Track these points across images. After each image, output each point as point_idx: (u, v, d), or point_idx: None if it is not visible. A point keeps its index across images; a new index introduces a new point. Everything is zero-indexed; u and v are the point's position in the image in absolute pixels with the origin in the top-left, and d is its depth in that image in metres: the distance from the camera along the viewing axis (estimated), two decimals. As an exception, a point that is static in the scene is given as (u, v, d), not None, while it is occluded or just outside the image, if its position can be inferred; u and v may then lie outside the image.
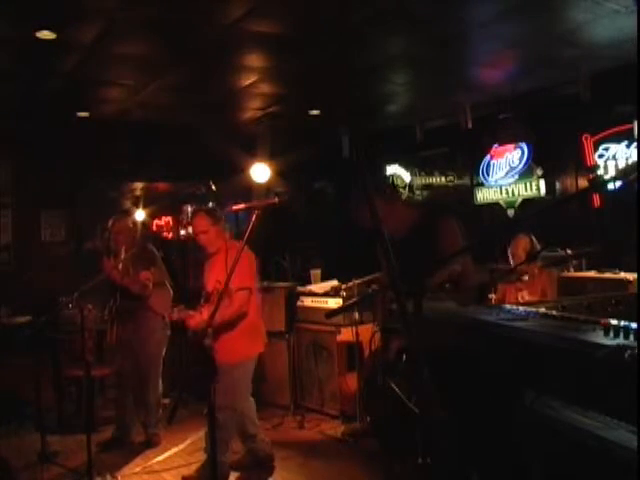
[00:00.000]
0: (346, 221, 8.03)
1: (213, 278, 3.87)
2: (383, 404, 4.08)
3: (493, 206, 7.28)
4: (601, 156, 6.04)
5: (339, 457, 4.41)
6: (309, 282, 5.98)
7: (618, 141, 5.89)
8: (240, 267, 3.57)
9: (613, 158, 5.94)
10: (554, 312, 2.39)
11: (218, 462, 3.75)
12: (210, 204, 4.20)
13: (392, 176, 8.57)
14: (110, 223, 4.83)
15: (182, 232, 12.16)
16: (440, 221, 3.48)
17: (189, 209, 12.22)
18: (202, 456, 4.29)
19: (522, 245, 4.66)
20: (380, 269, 4.92)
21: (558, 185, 6.74)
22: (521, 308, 2.54)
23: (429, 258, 3.09)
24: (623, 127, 5.83)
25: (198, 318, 3.80)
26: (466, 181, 7.77)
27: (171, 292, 4.89)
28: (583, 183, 6.42)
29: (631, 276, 4.53)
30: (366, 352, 4.82)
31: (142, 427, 4.81)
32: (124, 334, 4.67)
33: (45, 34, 4.41)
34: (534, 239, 4.69)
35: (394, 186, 3.78)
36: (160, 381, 4.86)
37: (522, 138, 6.81)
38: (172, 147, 7.63)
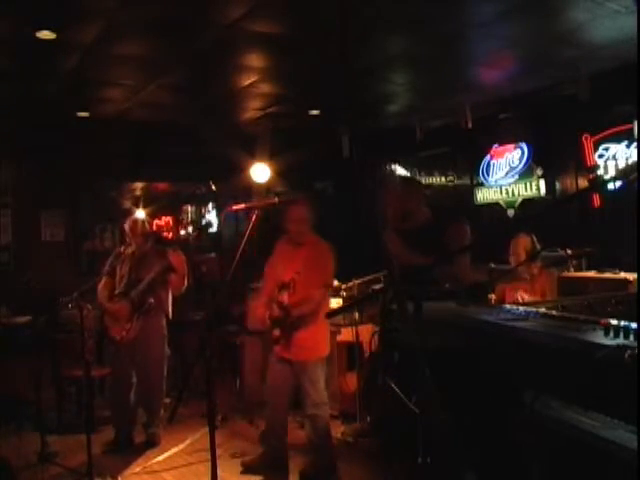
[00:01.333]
0: (346, 221, 8.04)
1: (292, 268, 3.87)
2: (383, 404, 4.08)
3: (493, 206, 7.28)
4: (601, 156, 6.04)
5: (339, 457, 4.40)
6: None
7: (618, 141, 5.89)
8: (325, 264, 3.90)
9: (613, 158, 5.94)
10: (554, 312, 2.39)
11: (326, 453, 4.01)
12: (210, 204, 4.14)
13: (398, 176, 8.58)
14: (127, 225, 4.89)
15: (182, 232, 12.18)
16: (453, 225, 3.56)
17: (189, 209, 12.26)
18: (202, 456, 4.30)
19: (522, 245, 4.65)
20: (380, 269, 4.94)
21: (558, 185, 6.74)
22: (521, 308, 2.54)
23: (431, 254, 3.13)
24: (623, 127, 5.83)
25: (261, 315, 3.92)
26: (466, 181, 7.77)
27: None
28: (583, 183, 6.42)
29: (631, 276, 4.53)
30: (366, 352, 4.82)
31: (142, 427, 4.81)
32: (134, 333, 4.65)
33: (45, 34, 4.41)
34: (534, 239, 4.69)
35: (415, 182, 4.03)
36: (164, 381, 4.86)
37: (522, 138, 6.81)
38: (172, 147, 7.63)
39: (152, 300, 4.60)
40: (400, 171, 8.50)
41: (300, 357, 3.89)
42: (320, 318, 3.88)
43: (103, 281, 4.79)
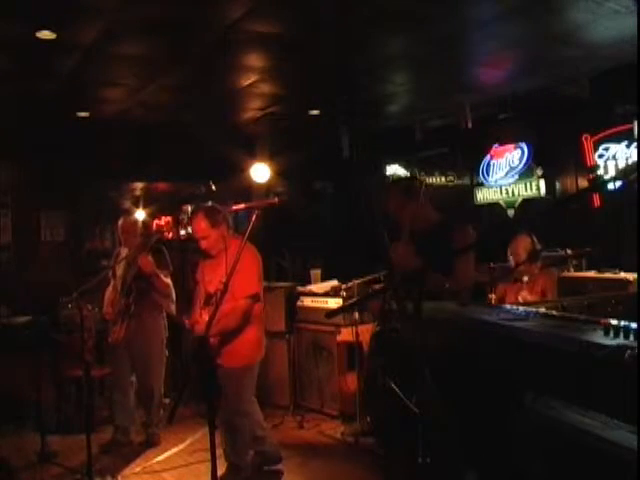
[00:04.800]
0: (346, 221, 8.05)
1: (217, 279, 3.66)
2: (383, 404, 4.08)
3: (493, 206, 7.29)
4: (601, 156, 6.04)
5: (339, 457, 4.41)
6: (309, 282, 5.98)
7: (618, 141, 5.89)
8: (244, 271, 3.47)
9: (613, 158, 5.94)
10: (554, 312, 2.39)
11: (242, 466, 3.77)
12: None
13: (392, 176, 8.58)
14: (120, 222, 4.88)
15: (182, 232, 12.16)
16: (458, 229, 3.55)
17: (189, 209, 12.25)
18: (202, 456, 4.29)
19: (522, 245, 4.65)
20: (380, 269, 4.94)
21: (558, 185, 6.75)
22: (521, 308, 2.54)
23: (436, 262, 3.13)
24: (623, 127, 5.83)
25: (202, 324, 3.56)
26: (466, 181, 7.77)
27: (174, 296, 4.86)
28: (583, 183, 6.42)
29: (631, 276, 4.52)
30: (366, 352, 4.82)
31: (142, 427, 4.81)
32: (127, 333, 4.66)
33: (45, 34, 4.41)
34: (534, 239, 4.69)
35: (416, 182, 3.94)
36: (162, 381, 4.86)
37: (522, 138, 6.81)
38: (172, 147, 7.62)
39: (130, 301, 4.57)
40: (400, 171, 8.50)
41: (226, 364, 3.66)
42: (250, 326, 3.71)
43: (111, 285, 4.83)
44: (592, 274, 4.98)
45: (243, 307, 3.63)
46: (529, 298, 4.41)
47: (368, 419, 4.47)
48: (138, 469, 4.29)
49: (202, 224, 3.76)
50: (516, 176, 6.91)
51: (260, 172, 7.06)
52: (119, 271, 4.79)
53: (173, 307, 4.83)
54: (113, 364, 4.87)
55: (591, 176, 6.15)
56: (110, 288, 4.85)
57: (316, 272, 6.15)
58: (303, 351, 5.54)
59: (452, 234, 3.52)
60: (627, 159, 5.81)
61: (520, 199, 6.93)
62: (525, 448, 2.09)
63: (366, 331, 4.84)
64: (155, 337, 4.74)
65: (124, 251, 4.87)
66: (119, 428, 4.73)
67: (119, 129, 7.32)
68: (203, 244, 3.79)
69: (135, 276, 4.60)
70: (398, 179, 3.47)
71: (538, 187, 6.73)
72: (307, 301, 5.56)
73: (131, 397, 4.77)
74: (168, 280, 4.71)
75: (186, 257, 8.44)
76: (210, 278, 3.80)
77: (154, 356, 4.74)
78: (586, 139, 6.12)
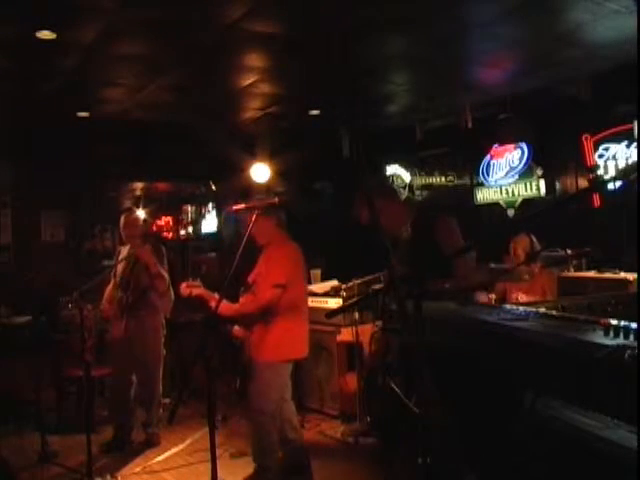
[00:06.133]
0: (346, 221, 8.04)
1: (257, 270, 3.83)
2: (383, 404, 4.08)
3: (493, 206, 7.28)
4: (601, 156, 6.04)
5: (339, 457, 4.41)
6: (309, 282, 5.98)
7: (618, 141, 5.89)
8: (276, 263, 3.73)
9: (613, 158, 5.94)
10: (554, 312, 2.39)
11: (266, 467, 3.73)
12: (210, 204, 4.08)
13: (392, 176, 8.58)
14: (122, 220, 4.88)
15: (182, 232, 12.18)
16: (438, 220, 3.49)
17: (189, 209, 12.27)
18: (202, 456, 4.29)
19: (522, 245, 4.66)
20: (381, 269, 4.93)
21: (558, 185, 6.74)
22: (521, 308, 2.53)
23: (429, 259, 3.11)
24: (623, 127, 5.83)
25: (220, 303, 3.57)
26: (466, 181, 7.77)
27: (173, 296, 4.87)
28: (583, 183, 6.42)
29: (631, 276, 4.53)
30: (366, 352, 4.82)
31: (142, 427, 4.81)
32: (127, 332, 4.67)
33: (45, 34, 4.41)
34: (534, 239, 4.70)
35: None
36: (160, 380, 4.86)
37: (522, 138, 6.81)
38: (172, 147, 7.63)
39: (128, 295, 4.61)
40: (400, 171, 8.49)
41: (253, 355, 3.75)
42: (275, 320, 3.70)
43: (111, 283, 4.85)
44: (592, 274, 4.99)
45: (266, 295, 3.68)
46: (529, 298, 4.41)
47: (368, 419, 4.48)
48: (138, 469, 4.30)
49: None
50: (516, 176, 6.91)
51: (260, 172, 7.06)
52: (120, 269, 4.80)
53: (169, 306, 4.83)
54: (113, 364, 4.88)
55: (591, 176, 6.15)
56: (110, 286, 4.85)
57: (316, 272, 6.15)
58: (303, 351, 5.54)
59: (432, 227, 3.47)
60: (627, 159, 5.81)
61: (520, 199, 6.93)
62: (525, 448, 2.09)
63: (366, 331, 4.85)
64: (154, 336, 4.75)
65: (125, 250, 4.87)
66: (119, 428, 4.73)
67: (119, 129, 7.32)
68: (252, 229, 3.69)
69: (134, 270, 4.62)
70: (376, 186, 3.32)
71: (538, 187, 6.73)
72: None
73: (131, 397, 4.78)
74: (167, 275, 4.70)
75: (186, 257, 8.45)
76: (253, 270, 3.90)
77: (153, 355, 4.74)
78: (586, 139, 6.12)
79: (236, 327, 3.93)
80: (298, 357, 3.91)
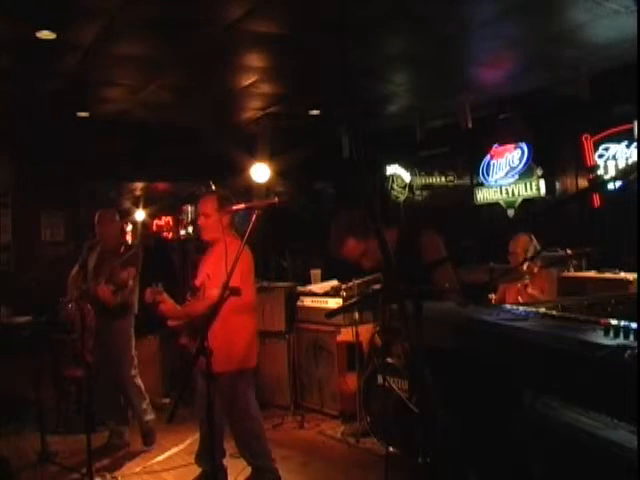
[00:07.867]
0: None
1: (204, 271, 3.65)
2: (383, 404, 4.08)
3: (493, 206, 7.28)
4: (601, 156, 6.04)
5: (339, 457, 4.41)
6: (309, 282, 5.98)
7: (618, 141, 5.89)
8: (221, 263, 3.39)
9: (613, 158, 5.94)
10: (554, 312, 2.39)
11: (266, 468, 3.71)
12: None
13: (392, 176, 8.59)
14: (96, 217, 4.79)
15: (182, 232, 12.17)
16: (421, 236, 3.41)
17: (189, 209, 12.26)
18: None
19: (522, 244, 4.65)
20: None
21: (558, 185, 6.74)
22: (521, 308, 2.53)
23: (414, 273, 3.05)
24: (623, 127, 5.83)
25: (170, 305, 3.55)
26: (466, 181, 7.77)
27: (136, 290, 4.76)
28: (583, 183, 6.42)
29: (631, 276, 4.53)
30: (366, 352, 4.82)
31: (137, 422, 4.74)
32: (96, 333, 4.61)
33: (45, 34, 4.42)
34: (534, 239, 4.69)
35: (365, 219, 3.39)
36: (135, 372, 4.72)
37: (522, 138, 6.81)
38: (172, 147, 7.63)
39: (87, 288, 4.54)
40: (400, 171, 8.48)
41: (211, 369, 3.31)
42: (232, 326, 3.50)
43: (76, 269, 4.75)
44: (592, 274, 4.99)
45: (215, 295, 3.24)
46: (529, 298, 4.41)
47: (368, 419, 4.48)
48: (138, 469, 4.29)
49: (210, 203, 3.71)
50: (516, 176, 6.91)
51: (260, 172, 7.05)
52: (91, 263, 4.73)
53: (119, 297, 4.61)
54: (95, 368, 4.73)
55: (591, 176, 6.15)
56: (75, 270, 4.74)
57: (316, 272, 6.14)
58: (303, 351, 5.54)
59: (419, 244, 3.40)
60: (627, 159, 5.81)
61: (520, 199, 6.93)
62: (525, 448, 2.09)
63: (366, 331, 4.85)
64: (120, 331, 4.65)
65: (98, 246, 4.77)
66: (113, 432, 4.69)
67: (119, 129, 7.32)
68: (201, 221, 3.71)
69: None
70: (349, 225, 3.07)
71: (538, 187, 6.73)
72: (307, 301, 5.56)
73: (119, 397, 4.72)
74: (128, 275, 4.56)
75: (186, 257, 8.44)
76: (200, 270, 3.75)
77: (118, 348, 4.63)
78: (586, 139, 6.12)
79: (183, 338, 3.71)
80: (253, 366, 3.77)
